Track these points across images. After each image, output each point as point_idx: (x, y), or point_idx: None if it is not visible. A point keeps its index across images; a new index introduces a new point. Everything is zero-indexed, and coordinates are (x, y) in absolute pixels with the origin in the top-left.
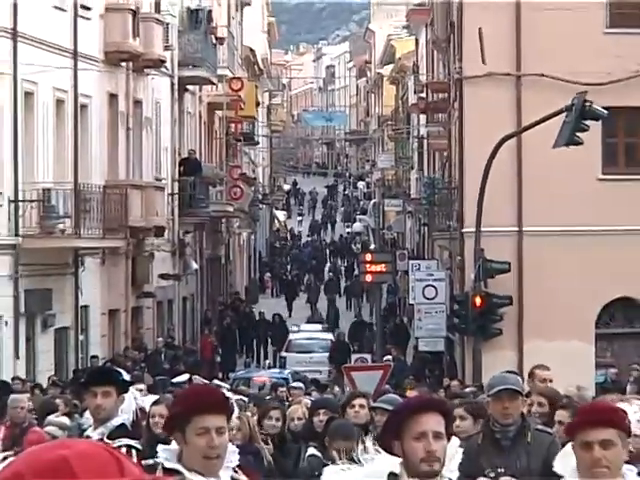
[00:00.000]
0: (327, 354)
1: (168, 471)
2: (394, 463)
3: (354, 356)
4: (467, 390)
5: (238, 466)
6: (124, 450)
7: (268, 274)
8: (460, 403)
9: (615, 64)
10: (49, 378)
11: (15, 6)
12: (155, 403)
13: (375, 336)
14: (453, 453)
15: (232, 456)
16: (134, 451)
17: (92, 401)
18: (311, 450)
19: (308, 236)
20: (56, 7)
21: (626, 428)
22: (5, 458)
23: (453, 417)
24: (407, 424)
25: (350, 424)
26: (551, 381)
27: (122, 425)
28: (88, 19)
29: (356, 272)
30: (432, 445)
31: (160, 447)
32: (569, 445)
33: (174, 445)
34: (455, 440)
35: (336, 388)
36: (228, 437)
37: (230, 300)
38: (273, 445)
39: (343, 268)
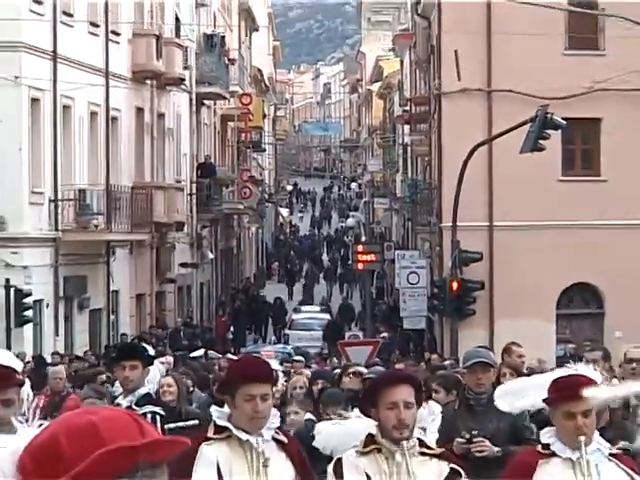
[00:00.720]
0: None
1: (219, 428)
2: (371, 425)
3: (348, 333)
4: (446, 363)
5: (279, 427)
6: (149, 416)
7: (276, 263)
8: (434, 378)
9: (572, 81)
10: (85, 353)
11: (55, 32)
12: (164, 376)
13: (366, 316)
14: (433, 418)
15: (274, 419)
16: (158, 417)
17: (121, 373)
18: (307, 415)
19: (309, 230)
20: (90, 32)
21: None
22: (41, 425)
23: (422, 388)
24: (382, 395)
25: (340, 392)
26: (524, 356)
27: (147, 394)
28: (118, 43)
29: (349, 261)
30: (402, 414)
31: (213, 408)
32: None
33: (225, 408)
34: (437, 406)
35: (334, 360)
36: (271, 402)
37: (242, 285)
38: (277, 409)
39: (338, 258)
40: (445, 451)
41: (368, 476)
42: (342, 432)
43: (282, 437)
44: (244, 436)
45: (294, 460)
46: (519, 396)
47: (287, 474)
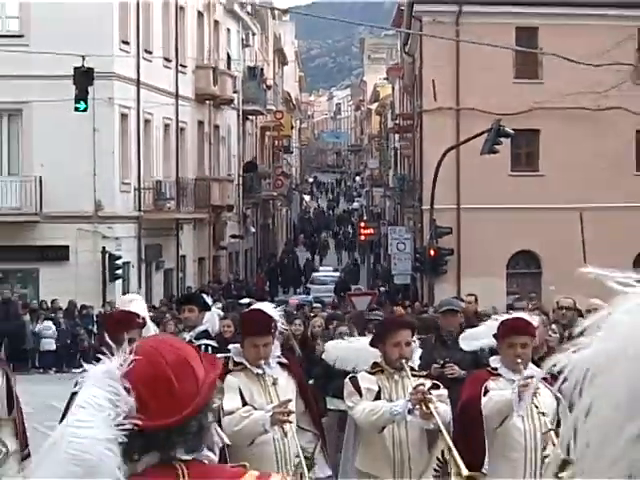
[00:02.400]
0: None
1: (236, 363)
2: (376, 354)
3: (354, 287)
4: (425, 309)
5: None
6: (203, 347)
7: (301, 235)
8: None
9: (519, 102)
10: (160, 301)
11: (138, 64)
12: (223, 318)
13: (367, 275)
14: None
15: (276, 349)
16: (210, 348)
17: (183, 315)
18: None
19: (325, 211)
20: (164, 65)
21: (535, 335)
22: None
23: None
24: (388, 335)
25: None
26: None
27: (204, 331)
28: (185, 73)
29: (354, 234)
30: (403, 350)
31: (231, 346)
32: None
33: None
34: (415, 343)
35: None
36: (272, 345)
37: (282, 249)
38: (299, 343)
39: (346, 231)
40: (428, 373)
41: (378, 388)
42: (351, 347)
43: (284, 360)
44: (255, 370)
45: (295, 376)
46: (477, 338)
47: (290, 387)
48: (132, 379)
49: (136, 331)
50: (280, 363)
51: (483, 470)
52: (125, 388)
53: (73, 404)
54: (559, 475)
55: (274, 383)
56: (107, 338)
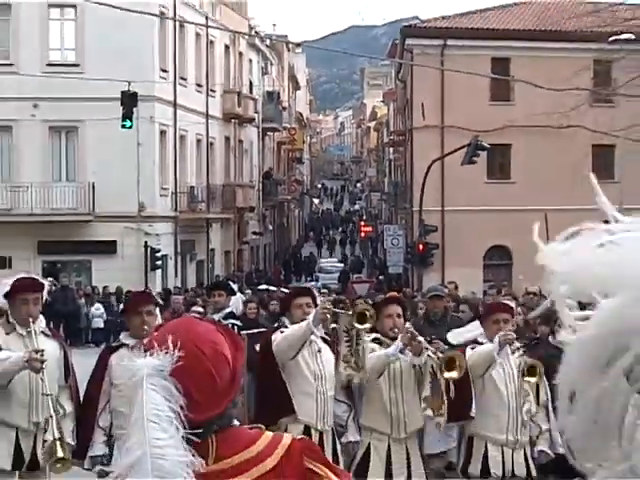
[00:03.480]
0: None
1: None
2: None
3: (355, 275)
4: (415, 294)
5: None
6: (230, 326)
7: (311, 232)
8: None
9: (493, 121)
10: (192, 288)
11: (175, 89)
12: (248, 301)
13: (367, 265)
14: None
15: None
16: (236, 327)
17: (214, 299)
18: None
19: (332, 212)
20: (197, 90)
21: (513, 314)
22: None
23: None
24: (383, 309)
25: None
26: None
27: (230, 312)
28: (214, 97)
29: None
30: (395, 321)
31: (284, 318)
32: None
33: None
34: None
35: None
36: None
37: (294, 244)
38: None
39: (349, 229)
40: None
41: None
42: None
43: (326, 337)
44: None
45: (332, 349)
46: (462, 334)
47: (330, 356)
48: (178, 376)
49: (152, 306)
50: (323, 338)
51: (471, 414)
52: (176, 387)
53: (139, 404)
54: (526, 379)
55: (318, 351)
56: (129, 311)
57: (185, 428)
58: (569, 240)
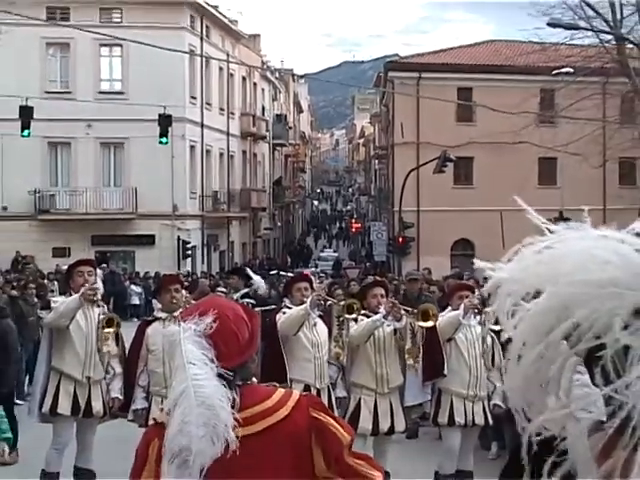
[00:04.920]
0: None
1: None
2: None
3: (346, 262)
4: (396, 277)
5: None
6: (245, 303)
7: (314, 229)
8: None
9: (459, 138)
10: (217, 272)
11: (202, 112)
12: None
13: (356, 254)
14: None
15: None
16: (250, 305)
17: (231, 282)
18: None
19: (328, 212)
20: (219, 113)
21: (474, 291)
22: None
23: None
24: (369, 291)
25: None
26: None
27: (246, 293)
28: (233, 118)
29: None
30: (379, 300)
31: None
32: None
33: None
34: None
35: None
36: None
37: (298, 238)
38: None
39: (342, 226)
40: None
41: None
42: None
43: (321, 314)
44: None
45: (328, 325)
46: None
47: (324, 328)
48: (209, 334)
49: (179, 285)
50: (320, 315)
51: (444, 373)
52: (207, 342)
53: (180, 354)
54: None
55: (314, 324)
56: (160, 290)
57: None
58: (515, 256)
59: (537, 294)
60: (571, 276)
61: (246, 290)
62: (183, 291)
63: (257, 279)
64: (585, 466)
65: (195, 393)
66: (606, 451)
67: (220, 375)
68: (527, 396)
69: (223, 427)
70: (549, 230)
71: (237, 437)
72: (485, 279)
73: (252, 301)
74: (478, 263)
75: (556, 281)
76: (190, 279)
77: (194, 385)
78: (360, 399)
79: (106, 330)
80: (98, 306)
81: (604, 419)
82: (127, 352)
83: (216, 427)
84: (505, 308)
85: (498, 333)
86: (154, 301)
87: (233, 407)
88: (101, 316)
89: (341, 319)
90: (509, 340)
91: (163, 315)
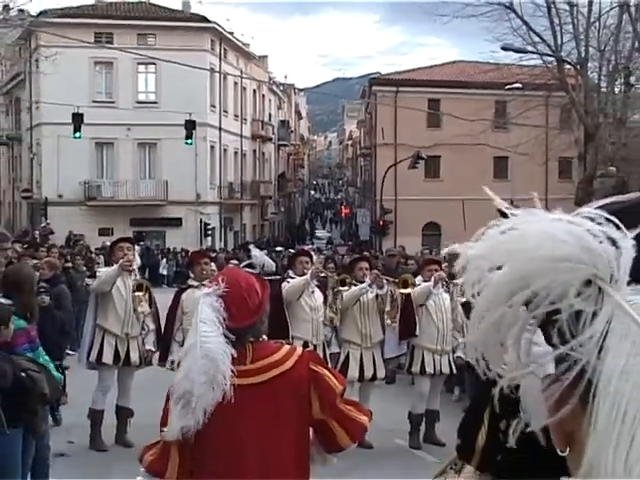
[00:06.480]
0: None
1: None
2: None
3: (337, 241)
4: (376, 254)
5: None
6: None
7: (311, 213)
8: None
9: (429, 140)
10: (232, 249)
11: (220, 119)
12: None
13: (345, 234)
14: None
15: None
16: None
17: (239, 255)
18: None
19: (322, 200)
20: (234, 119)
21: (441, 265)
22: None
23: (372, 263)
24: (355, 264)
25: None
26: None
27: (249, 263)
28: (246, 124)
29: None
30: (364, 271)
31: (290, 271)
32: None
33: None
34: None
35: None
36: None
37: (298, 221)
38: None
39: (334, 211)
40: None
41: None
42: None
43: (318, 284)
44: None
45: (323, 293)
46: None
47: (320, 295)
48: (224, 298)
49: (206, 259)
50: (317, 285)
51: (416, 333)
52: (220, 305)
53: (196, 313)
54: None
55: (312, 292)
56: (192, 263)
57: (228, 330)
58: (482, 236)
59: (500, 268)
60: (531, 252)
61: (249, 261)
62: (212, 264)
63: (256, 253)
64: (538, 418)
65: (201, 347)
66: (559, 403)
67: (226, 335)
68: (486, 352)
69: (222, 377)
70: (512, 214)
71: (250, 384)
72: (450, 256)
73: (253, 271)
74: (451, 247)
75: (518, 257)
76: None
77: (201, 341)
78: (349, 352)
79: (136, 293)
80: (136, 275)
81: (552, 372)
82: (166, 314)
83: (216, 376)
84: (472, 280)
85: (463, 305)
86: (189, 272)
87: (242, 361)
88: (131, 282)
89: (335, 290)
90: (467, 304)
91: (195, 283)
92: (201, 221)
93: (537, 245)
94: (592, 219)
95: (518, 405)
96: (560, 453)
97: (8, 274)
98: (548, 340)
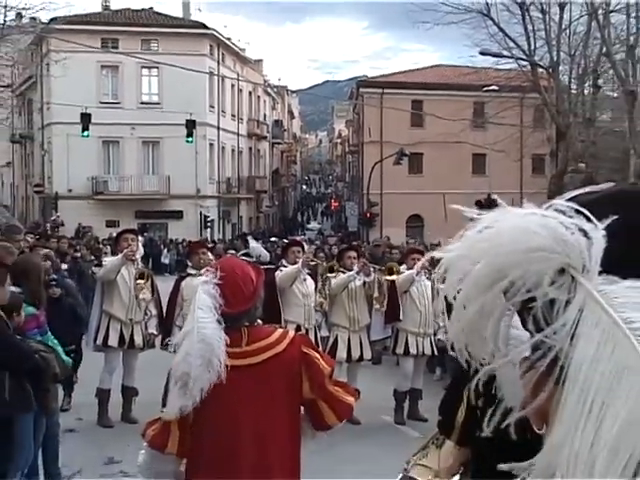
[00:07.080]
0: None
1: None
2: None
3: (327, 232)
4: (364, 244)
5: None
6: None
7: (303, 206)
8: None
9: (412, 138)
10: (229, 239)
11: (218, 119)
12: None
13: (335, 226)
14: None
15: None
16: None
17: (236, 245)
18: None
19: (314, 194)
20: (231, 119)
21: (424, 254)
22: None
23: (361, 253)
24: (344, 253)
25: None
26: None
27: (246, 252)
28: (242, 123)
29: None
30: (352, 260)
31: (283, 260)
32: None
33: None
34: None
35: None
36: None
37: (291, 214)
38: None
39: (325, 204)
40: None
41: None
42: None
43: (309, 272)
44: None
45: (314, 280)
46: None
47: (311, 282)
48: (220, 285)
49: (204, 249)
50: (308, 273)
51: (400, 317)
52: (217, 291)
53: (194, 300)
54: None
55: (304, 279)
56: (191, 253)
57: (223, 317)
58: (460, 238)
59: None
60: (507, 247)
61: (246, 250)
62: (209, 253)
63: (254, 245)
64: (516, 401)
65: (197, 332)
66: (535, 389)
67: (219, 321)
68: (469, 342)
69: (217, 360)
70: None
71: (246, 365)
72: (433, 245)
73: (248, 259)
74: (435, 253)
75: (495, 252)
76: (209, 244)
77: (198, 327)
78: (337, 335)
79: (138, 281)
80: (138, 264)
81: (528, 356)
82: (167, 300)
83: (211, 360)
84: (454, 281)
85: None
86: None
87: (238, 343)
88: (135, 270)
89: (324, 277)
90: (449, 305)
91: (193, 272)
92: (201, 214)
93: (512, 239)
94: (564, 212)
95: (493, 384)
96: (537, 431)
97: (17, 264)
98: (524, 327)
